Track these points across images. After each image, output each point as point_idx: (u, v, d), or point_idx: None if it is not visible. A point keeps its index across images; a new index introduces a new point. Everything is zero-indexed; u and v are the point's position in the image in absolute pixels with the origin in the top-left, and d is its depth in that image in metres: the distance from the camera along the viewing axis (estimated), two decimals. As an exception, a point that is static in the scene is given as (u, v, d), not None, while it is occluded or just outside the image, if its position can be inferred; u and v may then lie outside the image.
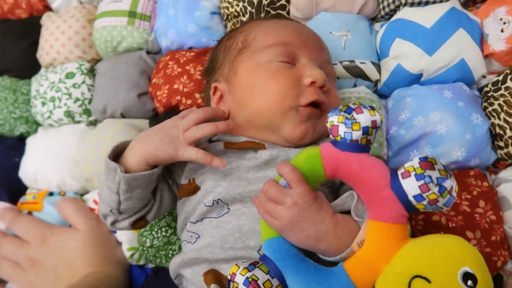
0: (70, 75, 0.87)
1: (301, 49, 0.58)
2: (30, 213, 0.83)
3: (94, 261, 0.69)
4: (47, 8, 1.00)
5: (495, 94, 0.64)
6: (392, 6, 0.72)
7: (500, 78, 0.65)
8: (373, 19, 0.79)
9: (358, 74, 0.70)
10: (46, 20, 0.93)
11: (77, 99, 0.86)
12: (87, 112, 0.87)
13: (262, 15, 0.77)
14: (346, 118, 0.42)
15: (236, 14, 0.79)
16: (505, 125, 0.62)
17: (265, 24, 0.63)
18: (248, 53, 0.60)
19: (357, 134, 0.42)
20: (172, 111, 0.79)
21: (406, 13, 0.69)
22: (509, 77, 0.63)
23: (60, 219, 0.79)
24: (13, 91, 0.92)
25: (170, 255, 0.69)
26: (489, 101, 0.65)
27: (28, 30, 0.96)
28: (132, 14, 0.87)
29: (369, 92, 0.70)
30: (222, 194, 0.53)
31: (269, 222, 0.44)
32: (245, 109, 0.58)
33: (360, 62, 0.70)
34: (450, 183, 0.38)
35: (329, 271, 0.42)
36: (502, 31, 0.63)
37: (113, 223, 0.59)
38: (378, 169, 0.42)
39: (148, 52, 0.88)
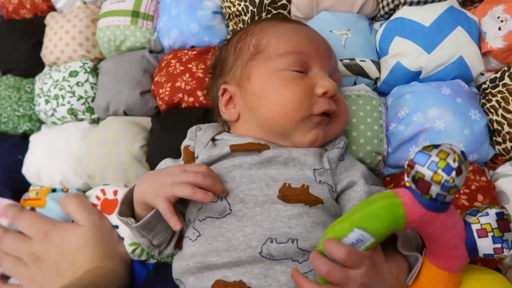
0: (73, 74, 0.88)
1: (313, 58, 0.60)
2: (33, 209, 0.84)
3: (96, 257, 0.70)
4: (51, 8, 1.02)
5: (493, 91, 0.66)
6: (391, 6, 0.73)
7: (498, 75, 0.66)
8: (372, 19, 0.80)
9: (358, 72, 0.71)
10: (50, 20, 0.95)
11: (80, 97, 0.87)
12: (90, 110, 0.88)
13: (264, 14, 0.78)
14: (446, 181, 0.35)
15: (238, 13, 0.80)
16: (503, 120, 0.63)
17: (277, 29, 0.63)
18: (262, 59, 0.60)
19: (450, 198, 0.36)
20: (174, 108, 0.80)
21: (405, 12, 0.71)
22: (507, 74, 0.64)
23: (63, 215, 0.80)
24: (17, 89, 0.93)
25: (171, 250, 0.69)
26: (487, 97, 0.66)
27: (32, 30, 0.97)
28: (135, 14, 0.88)
29: (369, 89, 0.71)
30: (226, 191, 0.54)
31: None
32: (257, 115, 0.59)
33: (360, 60, 0.71)
34: None
35: None
36: (499, 29, 0.65)
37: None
38: (457, 229, 0.40)
39: (150, 51, 0.89)
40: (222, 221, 0.53)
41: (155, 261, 0.76)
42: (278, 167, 0.56)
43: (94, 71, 0.90)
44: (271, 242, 0.50)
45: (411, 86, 0.68)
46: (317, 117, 0.57)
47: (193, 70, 0.79)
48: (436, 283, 0.43)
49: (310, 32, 0.65)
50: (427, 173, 0.35)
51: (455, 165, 0.34)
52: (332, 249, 0.39)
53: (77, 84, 0.87)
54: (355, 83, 0.72)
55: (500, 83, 0.65)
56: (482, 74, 0.70)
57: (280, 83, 0.57)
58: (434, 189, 0.35)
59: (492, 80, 0.67)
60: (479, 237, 0.40)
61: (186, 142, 0.66)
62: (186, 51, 0.83)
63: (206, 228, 0.54)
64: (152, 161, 0.75)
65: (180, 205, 0.61)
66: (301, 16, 0.79)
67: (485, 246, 0.41)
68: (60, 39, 0.91)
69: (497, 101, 0.64)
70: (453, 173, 0.34)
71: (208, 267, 0.51)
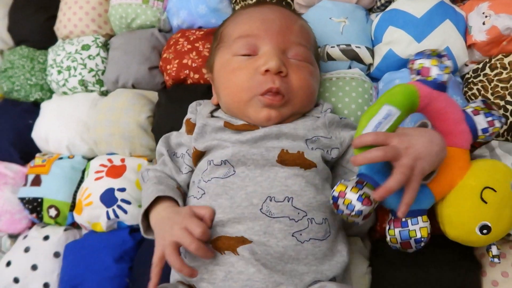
0: (86, 47, 0.93)
1: (262, 37, 0.62)
2: (37, 176, 0.88)
3: None
4: (66, -15, 1.06)
5: (474, 80, 0.72)
6: (387, -2, 0.79)
7: (480, 66, 0.72)
8: (370, 10, 0.85)
9: (353, 57, 0.77)
10: (65, -5, 1.00)
11: (91, 70, 0.92)
12: (100, 82, 0.93)
13: (268, -1, 0.84)
14: (440, 62, 0.50)
15: (244, -3, 0.85)
16: (482, 107, 0.69)
17: (237, 16, 0.69)
18: (222, 48, 0.67)
19: (447, 76, 0.51)
20: (180, 84, 0.86)
21: (399, 4, 0.77)
22: (488, 65, 0.70)
23: (65, 182, 0.84)
24: (30, 59, 0.98)
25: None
26: (469, 86, 0.72)
27: (47, 4, 1.01)
28: (147, -6, 0.93)
29: (362, 74, 0.76)
30: (228, 156, 0.59)
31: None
32: (220, 99, 0.67)
33: (356, 46, 0.77)
34: (503, 120, 0.55)
35: None
36: (483, 23, 0.70)
37: None
38: (457, 106, 0.53)
39: (160, 30, 0.94)
40: (226, 181, 0.58)
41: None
42: (272, 141, 0.61)
43: (105, 46, 0.95)
44: (270, 200, 0.55)
45: (401, 72, 0.74)
46: (265, 98, 0.60)
47: (200, 49, 0.84)
48: (450, 160, 0.53)
49: (267, 12, 0.67)
50: (426, 61, 0.51)
51: (443, 52, 0.52)
52: (363, 139, 0.49)
53: (88, 57, 0.92)
54: (349, 67, 0.78)
55: (482, 73, 0.71)
56: (466, 65, 0.75)
57: (228, 70, 0.63)
58: (434, 71, 0.50)
59: (474, 71, 0.73)
60: (474, 115, 0.53)
61: (187, 116, 0.71)
62: (194, 31, 0.88)
63: (211, 187, 0.58)
64: (157, 131, 0.80)
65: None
66: (303, 4, 0.84)
67: (480, 121, 0.53)
68: (74, 14, 0.96)
69: (477, 89, 0.70)
70: (444, 58, 0.51)
71: (214, 224, 0.56)
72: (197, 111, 0.71)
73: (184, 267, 0.51)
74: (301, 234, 0.54)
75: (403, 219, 0.54)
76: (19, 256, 0.80)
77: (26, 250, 0.80)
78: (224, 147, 0.60)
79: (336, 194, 0.52)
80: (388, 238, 0.57)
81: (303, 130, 0.61)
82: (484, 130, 0.53)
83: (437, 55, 0.50)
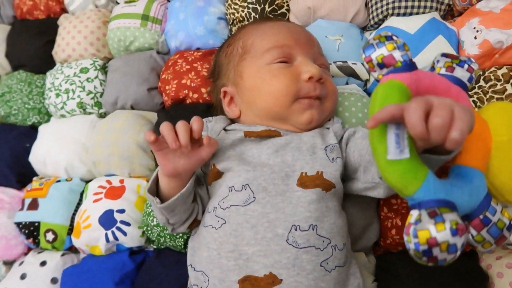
0: (84, 70, 0.93)
1: (295, 48, 0.66)
2: (34, 200, 0.86)
3: None
4: (64, 10, 1.08)
5: (469, 93, 0.73)
6: (380, 16, 0.81)
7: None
8: (363, 29, 0.88)
9: (350, 73, 0.79)
10: (63, 20, 1.01)
11: (89, 92, 0.92)
12: (98, 104, 0.93)
13: (265, 20, 0.85)
14: (396, 43, 0.44)
15: (241, 19, 0.87)
16: (479, 118, 0.70)
17: (260, 29, 0.70)
18: (250, 58, 0.67)
19: (410, 53, 0.45)
20: (179, 103, 0.86)
21: (392, 22, 0.79)
22: (482, 77, 0.72)
23: (63, 204, 0.83)
24: (28, 83, 0.98)
25: (174, 235, 0.73)
26: (464, 98, 0.74)
27: (45, 30, 1.03)
28: (145, 17, 0.95)
29: (360, 89, 0.78)
30: (249, 180, 0.57)
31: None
32: (254, 107, 0.66)
33: (352, 63, 0.79)
34: (473, 59, 0.50)
35: (460, 176, 0.47)
36: (475, 38, 0.73)
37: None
38: (437, 75, 0.48)
39: (158, 53, 0.95)
40: (247, 209, 0.55)
41: (154, 247, 0.80)
42: (293, 152, 0.60)
43: (103, 69, 0.96)
44: (296, 230, 0.53)
45: (398, 86, 0.75)
46: (306, 99, 0.63)
47: (198, 69, 0.85)
48: None
49: (290, 26, 0.72)
50: (383, 50, 0.44)
51: (389, 34, 0.46)
52: (381, 115, 0.39)
53: (87, 80, 0.93)
54: (347, 83, 0.79)
55: (476, 86, 0.72)
56: (460, 78, 0.77)
57: (268, 75, 0.64)
58: (397, 54, 0.44)
59: (469, 83, 0.74)
60: (451, 72, 0.48)
61: None
62: (192, 52, 0.89)
63: (231, 216, 0.56)
64: (157, 150, 0.80)
65: (200, 190, 0.65)
66: (299, 23, 0.86)
67: (461, 74, 0.48)
68: (72, 38, 0.97)
69: (473, 101, 0.72)
70: (394, 37, 0.45)
71: (239, 257, 0.53)
72: (208, 128, 0.69)
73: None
74: (327, 263, 0.53)
75: (481, 216, 0.45)
76: (15, 283, 0.77)
77: (23, 277, 0.78)
78: (244, 169, 0.58)
79: (425, 247, 0.38)
80: (479, 246, 0.47)
81: (320, 138, 0.61)
82: (470, 79, 0.48)
83: (386, 38, 0.44)
